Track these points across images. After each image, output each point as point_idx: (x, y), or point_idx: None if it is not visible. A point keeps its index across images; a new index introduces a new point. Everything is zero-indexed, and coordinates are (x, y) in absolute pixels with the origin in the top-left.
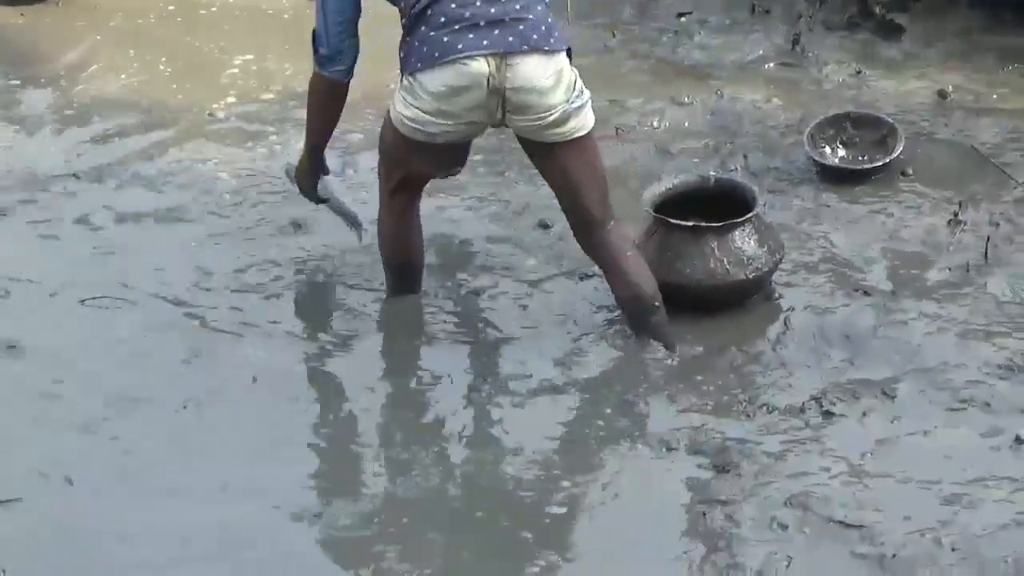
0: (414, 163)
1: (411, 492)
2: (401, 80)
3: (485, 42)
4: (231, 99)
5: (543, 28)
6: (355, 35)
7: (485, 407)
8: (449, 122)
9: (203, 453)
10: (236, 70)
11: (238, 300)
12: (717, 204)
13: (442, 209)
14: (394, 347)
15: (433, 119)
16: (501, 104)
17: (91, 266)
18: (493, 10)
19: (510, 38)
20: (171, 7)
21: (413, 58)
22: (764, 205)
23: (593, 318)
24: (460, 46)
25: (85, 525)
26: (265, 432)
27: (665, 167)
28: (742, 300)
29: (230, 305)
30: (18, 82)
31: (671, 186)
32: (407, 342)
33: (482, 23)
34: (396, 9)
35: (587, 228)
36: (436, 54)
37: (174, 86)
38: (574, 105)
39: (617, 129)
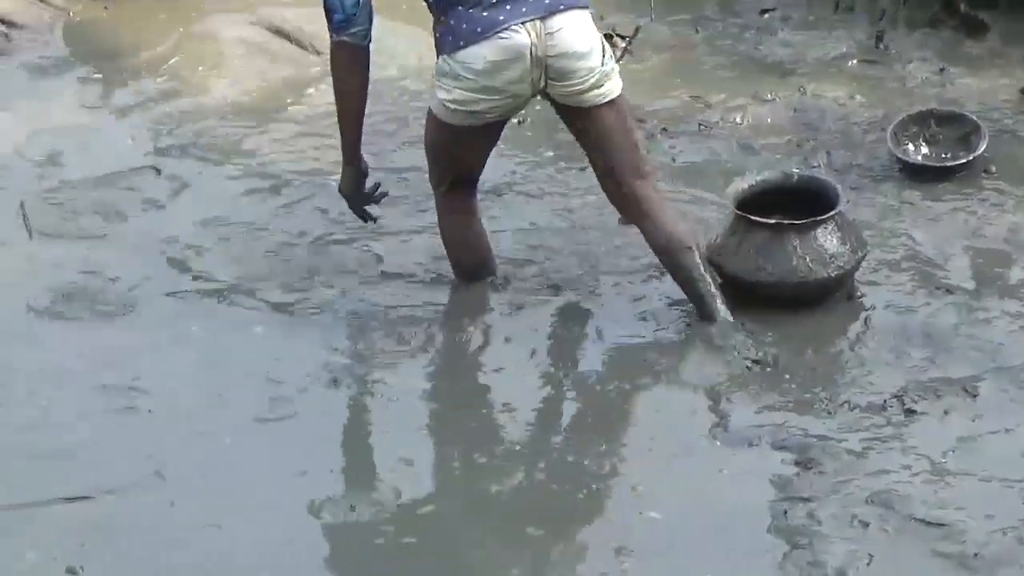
0: (464, 150)
1: (494, 486)
2: (438, 65)
3: (524, 9)
4: (321, 89)
5: None
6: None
7: (564, 401)
8: (496, 97)
9: (286, 447)
10: (321, 65)
11: (317, 296)
12: (800, 201)
13: (520, 204)
14: (473, 342)
15: (479, 96)
16: (544, 73)
17: (173, 260)
18: None
19: (546, 0)
20: None
21: (451, 37)
22: (847, 202)
23: (671, 314)
24: (501, 18)
25: (168, 523)
26: (347, 427)
27: (748, 163)
28: (824, 298)
29: (309, 301)
30: (100, 76)
31: (754, 183)
32: (485, 337)
33: None
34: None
35: (627, 185)
36: (479, 29)
37: (258, 77)
38: (607, 67)
39: (700, 125)
